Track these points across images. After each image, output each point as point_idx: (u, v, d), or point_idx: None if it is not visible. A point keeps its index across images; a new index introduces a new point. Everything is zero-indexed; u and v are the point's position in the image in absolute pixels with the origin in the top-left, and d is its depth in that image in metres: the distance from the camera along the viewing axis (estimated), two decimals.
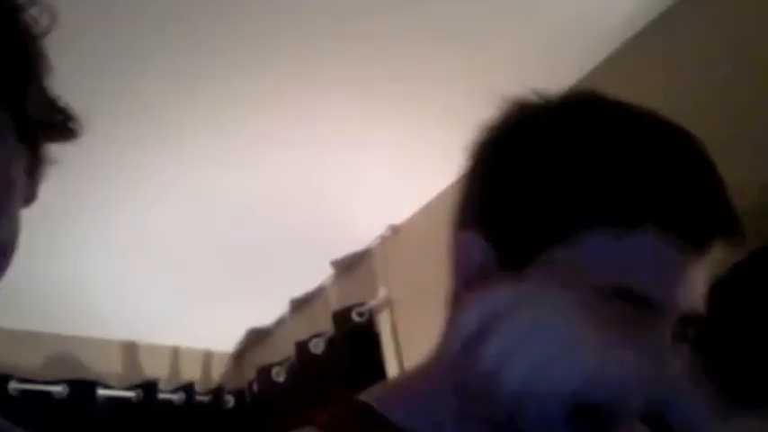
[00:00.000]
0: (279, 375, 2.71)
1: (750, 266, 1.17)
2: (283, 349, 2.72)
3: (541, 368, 0.55)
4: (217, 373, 2.98)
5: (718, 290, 0.70)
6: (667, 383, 0.63)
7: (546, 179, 0.63)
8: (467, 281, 0.65)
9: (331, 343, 2.55)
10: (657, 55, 1.90)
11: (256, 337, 2.95)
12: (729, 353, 1.44)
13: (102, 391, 2.60)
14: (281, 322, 2.86)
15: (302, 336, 2.63)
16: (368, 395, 0.68)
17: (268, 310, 2.82)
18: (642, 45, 1.92)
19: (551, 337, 0.56)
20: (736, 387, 1.16)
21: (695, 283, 0.63)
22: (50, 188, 2.18)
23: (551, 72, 2.00)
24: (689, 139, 0.66)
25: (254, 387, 2.79)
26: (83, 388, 2.55)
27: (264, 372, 2.74)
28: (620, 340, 0.58)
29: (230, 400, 2.84)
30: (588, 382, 0.55)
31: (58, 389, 2.50)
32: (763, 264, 1.22)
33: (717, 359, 1.45)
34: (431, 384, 0.67)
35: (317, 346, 2.59)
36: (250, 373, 2.83)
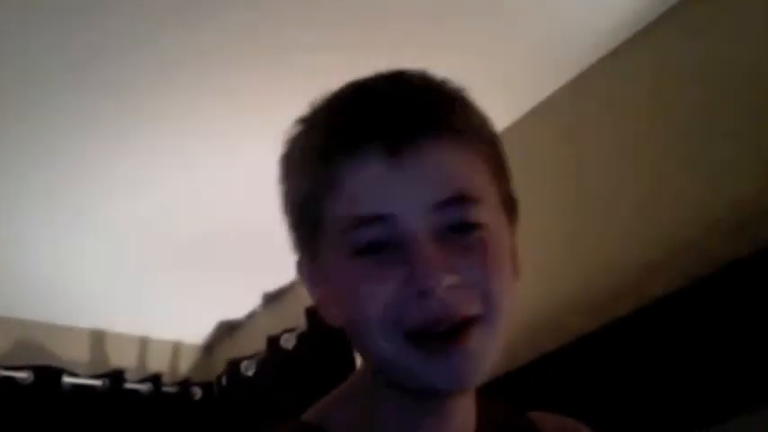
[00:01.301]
0: (248, 369, 2.69)
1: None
2: (254, 343, 2.70)
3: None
4: (185, 364, 2.96)
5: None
6: None
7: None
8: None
9: (303, 339, 2.53)
10: (643, 64, 1.90)
11: (227, 330, 2.93)
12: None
13: (67, 379, 2.56)
14: (252, 316, 2.85)
15: (274, 330, 2.62)
16: (308, 413, 0.78)
17: (240, 303, 2.81)
18: (628, 54, 1.92)
19: None
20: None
21: (358, 189, 0.69)
22: (20, 174, 2.16)
23: (535, 78, 2.01)
24: (348, 87, 0.74)
25: (223, 380, 2.76)
26: (48, 375, 2.51)
27: (234, 365, 2.72)
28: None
29: (198, 393, 2.81)
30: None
31: (22, 375, 2.47)
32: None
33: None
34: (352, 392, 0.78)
35: (289, 342, 2.57)
36: (219, 367, 2.81)
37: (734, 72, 1.71)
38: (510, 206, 0.76)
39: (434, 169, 0.69)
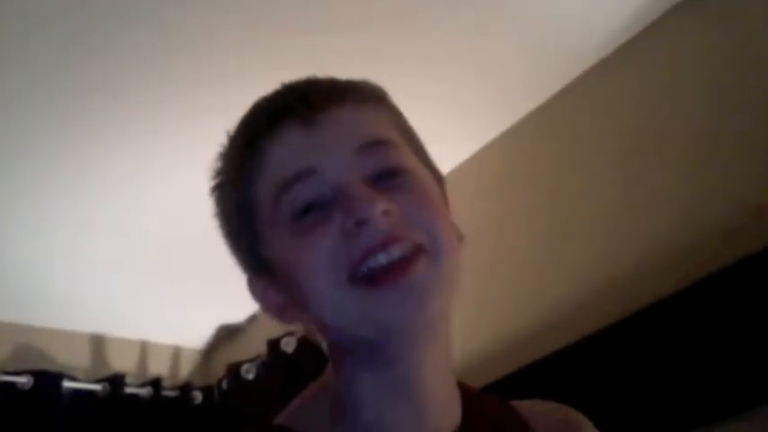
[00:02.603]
0: (248, 373, 2.68)
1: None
2: (254, 347, 2.69)
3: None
4: (186, 369, 2.95)
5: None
6: None
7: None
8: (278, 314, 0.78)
9: (303, 342, 2.53)
10: (645, 64, 1.90)
11: (227, 334, 2.93)
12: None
13: (67, 384, 2.56)
14: (252, 320, 2.84)
15: (274, 334, 2.61)
16: (279, 417, 0.79)
17: (240, 307, 2.80)
18: (631, 54, 1.93)
19: None
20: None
21: (276, 160, 0.73)
22: (23, 177, 2.16)
23: (537, 76, 2.01)
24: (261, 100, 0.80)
25: (223, 384, 2.76)
26: (48, 380, 2.51)
27: (234, 369, 2.72)
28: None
29: (198, 397, 2.81)
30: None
31: (22, 380, 2.46)
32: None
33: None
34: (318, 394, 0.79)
35: (289, 345, 2.57)
36: (219, 370, 2.81)
37: (735, 72, 1.72)
38: (435, 173, 0.79)
39: (347, 125, 0.73)
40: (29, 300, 2.56)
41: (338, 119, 0.73)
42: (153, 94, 1.90)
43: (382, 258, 0.68)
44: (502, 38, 1.87)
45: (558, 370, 1.78)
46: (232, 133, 0.81)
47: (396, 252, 0.68)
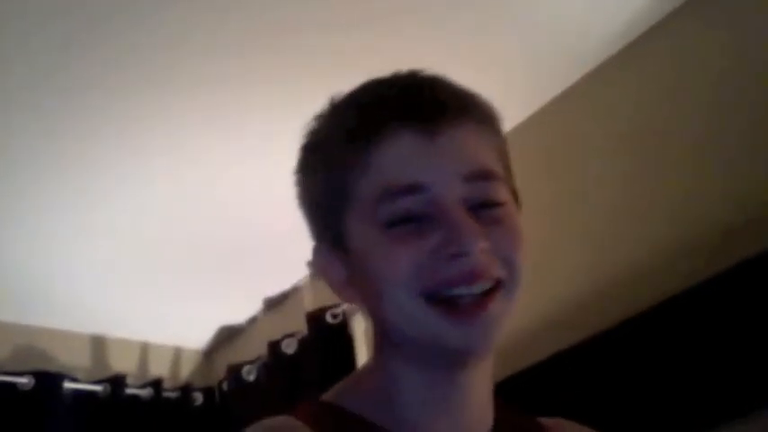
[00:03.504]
0: (249, 374, 2.68)
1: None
2: (255, 348, 2.69)
3: None
4: (186, 370, 2.95)
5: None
6: None
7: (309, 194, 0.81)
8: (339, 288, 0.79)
9: (304, 344, 2.53)
10: (646, 66, 1.90)
11: (228, 335, 2.92)
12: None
13: (68, 384, 2.55)
14: (253, 321, 2.84)
15: (275, 335, 2.61)
16: (326, 395, 0.82)
17: (241, 308, 2.80)
18: (631, 57, 1.92)
19: None
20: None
21: (388, 163, 0.73)
22: (23, 177, 2.15)
23: (537, 78, 2.01)
24: (370, 81, 0.79)
25: (224, 385, 2.76)
26: (49, 380, 2.51)
27: (235, 370, 2.71)
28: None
29: (199, 398, 2.81)
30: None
31: (23, 380, 2.46)
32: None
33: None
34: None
35: (290, 347, 2.57)
36: (220, 372, 2.80)
37: (739, 76, 1.71)
38: (516, 199, 0.81)
39: (464, 146, 0.74)
40: (30, 300, 2.56)
41: (457, 138, 0.74)
42: (152, 94, 1.90)
43: (465, 290, 0.71)
44: (502, 38, 1.87)
45: (557, 371, 1.78)
46: (341, 108, 0.79)
47: (478, 288, 0.71)
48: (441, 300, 0.71)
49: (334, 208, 0.77)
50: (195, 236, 2.41)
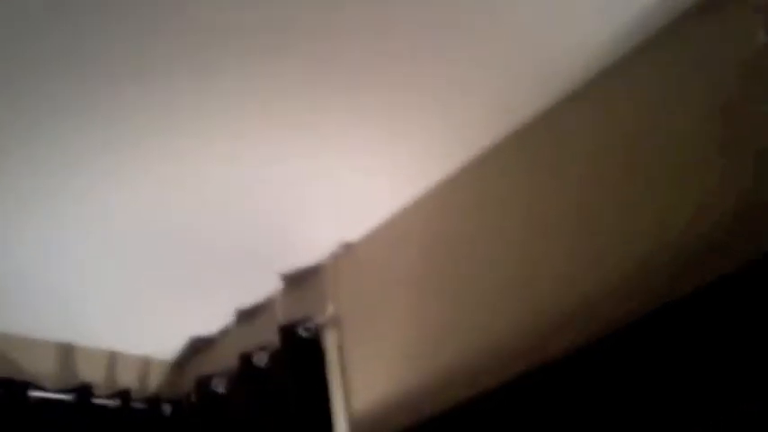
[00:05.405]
0: (219, 386, 2.66)
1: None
2: (226, 360, 2.67)
3: None
4: (155, 380, 2.92)
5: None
6: None
7: None
8: None
9: (275, 357, 2.51)
10: (634, 84, 1.92)
11: (199, 347, 2.90)
12: None
13: (34, 393, 2.52)
14: (225, 332, 2.83)
15: (246, 347, 2.60)
16: None
17: (212, 319, 2.79)
18: (620, 73, 1.94)
19: None
20: None
21: None
22: None
23: (528, 93, 2.02)
24: None
25: (193, 397, 2.73)
26: (14, 388, 2.47)
27: (204, 382, 2.69)
28: None
29: (167, 409, 2.78)
30: None
31: None
32: None
33: None
34: None
35: (261, 359, 2.55)
36: (190, 383, 2.78)
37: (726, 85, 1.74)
38: None
39: None
40: None
41: None
42: (137, 102, 1.88)
43: None
44: (491, 55, 1.88)
45: (543, 387, 1.79)
46: None
47: None
48: None
49: None
50: (167, 247, 2.39)
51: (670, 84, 1.83)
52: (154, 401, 2.78)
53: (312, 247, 2.50)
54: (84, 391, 2.62)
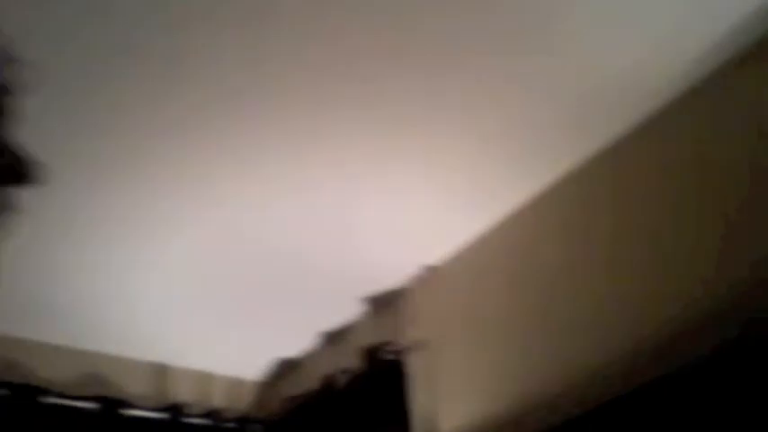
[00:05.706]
0: (304, 407, 2.70)
1: None
2: (310, 381, 2.70)
3: None
4: (244, 400, 2.98)
5: None
6: None
7: None
8: None
9: (358, 379, 2.53)
10: (687, 126, 1.88)
11: (285, 368, 2.94)
12: None
13: (128, 411, 2.60)
14: (310, 355, 2.86)
15: (330, 369, 2.62)
16: None
17: (298, 341, 2.82)
18: (676, 114, 1.91)
19: None
20: None
21: None
22: (100, 206, 2.21)
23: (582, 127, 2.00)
24: None
25: (280, 417, 2.77)
26: (110, 406, 2.56)
27: (290, 402, 2.73)
28: None
29: (258, 429, 2.83)
30: None
31: (86, 405, 2.52)
32: None
33: None
34: None
35: (343, 381, 2.57)
36: (277, 403, 2.82)
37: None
38: None
39: None
40: (96, 327, 2.60)
41: None
42: (206, 142, 1.93)
43: None
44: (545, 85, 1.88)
45: (631, 412, 1.76)
46: None
47: None
48: None
49: None
50: (256, 271, 2.43)
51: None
52: (243, 421, 2.83)
53: (395, 271, 2.51)
54: (176, 410, 2.69)
